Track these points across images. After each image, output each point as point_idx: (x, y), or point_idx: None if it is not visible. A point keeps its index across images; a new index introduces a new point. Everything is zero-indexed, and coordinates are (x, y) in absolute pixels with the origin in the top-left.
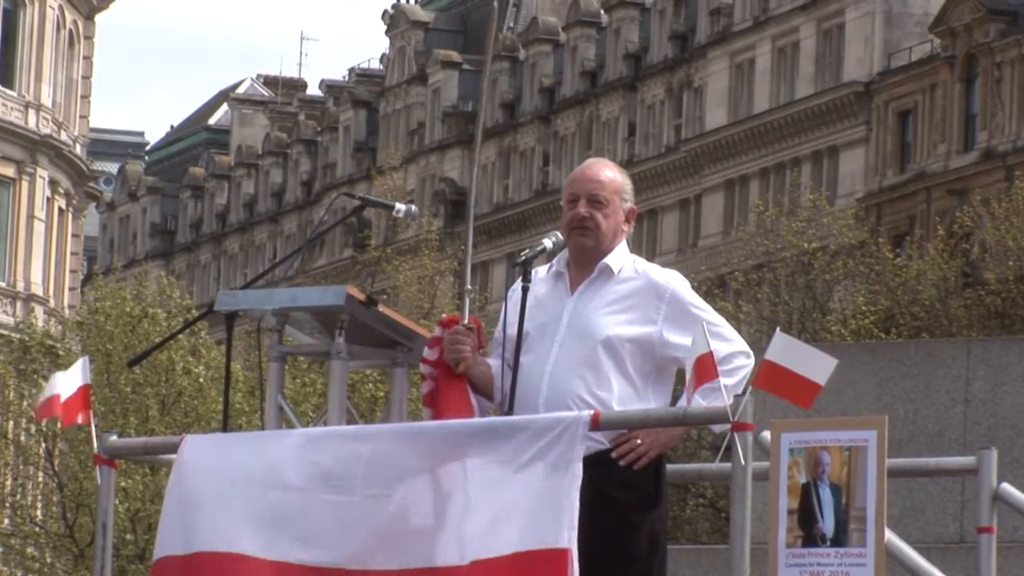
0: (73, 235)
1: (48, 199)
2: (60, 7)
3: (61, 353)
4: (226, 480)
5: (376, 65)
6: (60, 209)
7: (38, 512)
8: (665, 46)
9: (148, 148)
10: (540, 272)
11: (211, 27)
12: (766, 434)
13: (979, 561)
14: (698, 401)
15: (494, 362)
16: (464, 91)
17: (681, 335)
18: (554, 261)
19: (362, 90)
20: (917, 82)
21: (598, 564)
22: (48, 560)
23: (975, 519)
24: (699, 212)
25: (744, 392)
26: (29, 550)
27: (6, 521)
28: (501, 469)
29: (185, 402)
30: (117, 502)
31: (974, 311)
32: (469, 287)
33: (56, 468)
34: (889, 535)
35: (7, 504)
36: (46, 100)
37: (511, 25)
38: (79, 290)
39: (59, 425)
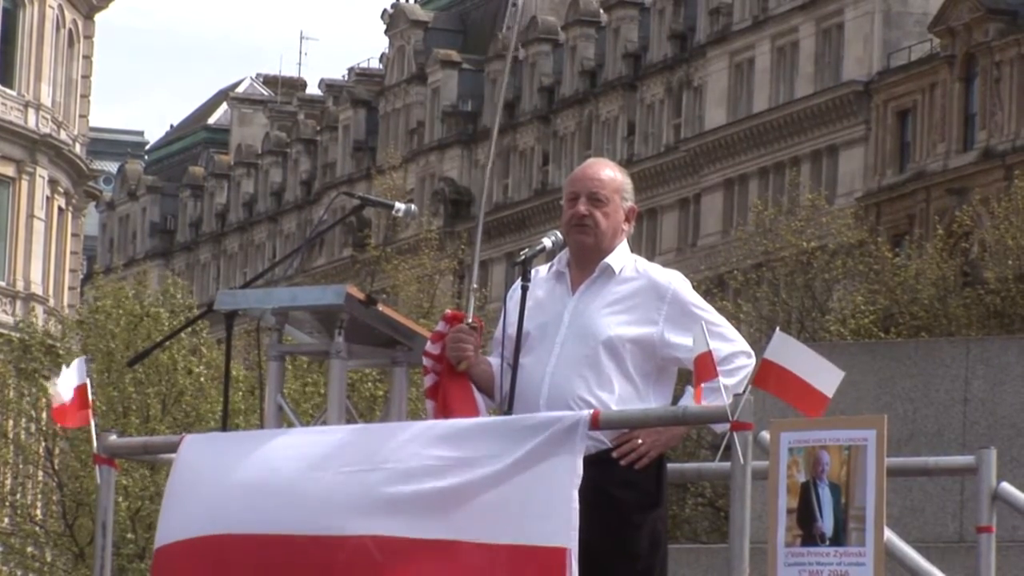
0: (73, 234)
1: (48, 198)
2: (60, 6)
3: (61, 352)
4: (224, 476)
5: (376, 64)
6: (60, 208)
7: (38, 511)
8: (664, 46)
9: (148, 147)
10: (541, 272)
11: (211, 26)
12: (765, 433)
13: (978, 560)
14: (685, 400)
15: (495, 361)
16: (463, 91)
17: (682, 335)
18: (555, 261)
19: (361, 89)
20: (916, 81)
21: (599, 564)
22: (48, 559)
23: (974, 518)
24: (698, 211)
25: (744, 392)
26: (29, 549)
27: (6, 520)
28: (500, 466)
29: (186, 402)
30: (118, 499)
31: (973, 310)
32: (475, 285)
33: (56, 467)
34: (888, 534)
35: (7, 503)
36: (46, 99)
37: (510, 25)
38: (79, 289)
39: (58, 426)
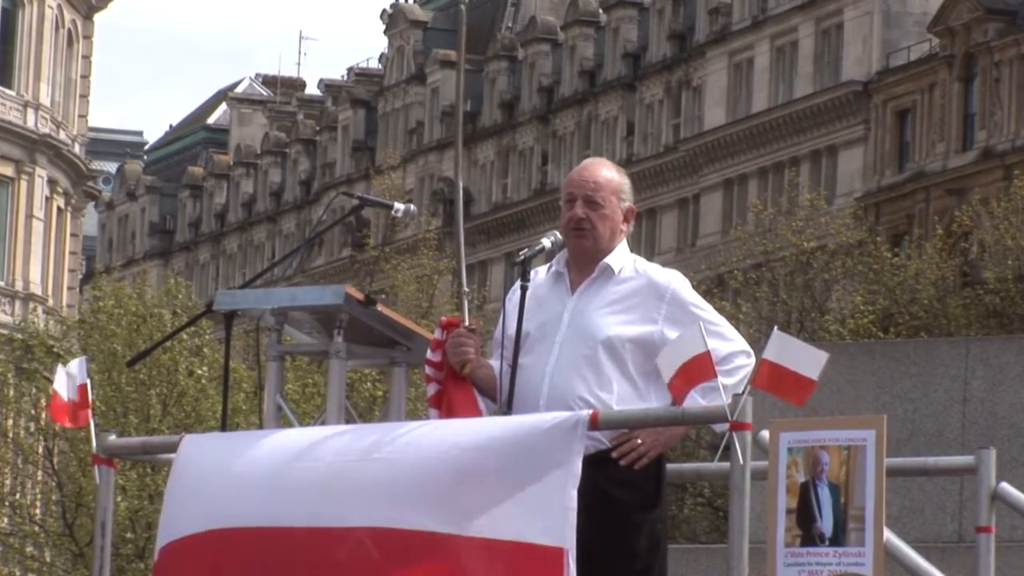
0: (72, 234)
1: (47, 198)
2: (59, 6)
3: (61, 352)
4: (223, 475)
5: (375, 64)
6: (59, 208)
7: (37, 511)
8: (664, 45)
9: (147, 147)
10: (540, 272)
11: (210, 27)
12: (765, 433)
13: (978, 560)
14: (697, 400)
15: (495, 363)
16: (463, 91)
17: None
18: (553, 261)
19: (361, 89)
20: (916, 81)
21: (598, 563)
22: (47, 559)
23: (974, 518)
24: (698, 211)
25: (744, 391)
26: (28, 549)
27: (5, 520)
28: (499, 465)
29: (187, 402)
30: (118, 499)
31: (973, 310)
32: (466, 288)
33: (55, 467)
34: (888, 534)
35: (6, 503)
36: (45, 99)
37: (509, 25)
38: (78, 289)
39: (57, 426)
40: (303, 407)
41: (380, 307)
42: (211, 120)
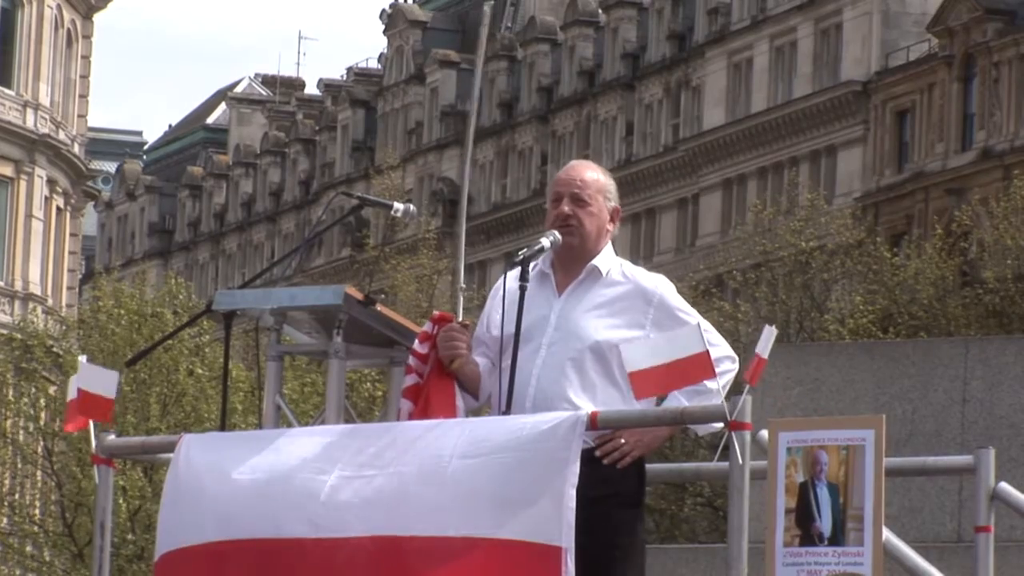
0: (71, 234)
1: (46, 198)
2: (58, 6)
3: (60, 352)
4: (222, 476)
5: (374, 64)
6: (58, 208)
7: (36, 511)
8: (663, 45)
9: (146, 147)
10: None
11: (209, 26)
12: (764, 433)
13: (977, 560)
14: (680, 401)
15: (481, 360)
16: (462, 91)
17: None
18: (537, 261)
19: (360, 89)
20: (915, 81)
21: (578, 561)
22: (47, 559)
23: (973, 518)
24: (697, 211)
25: (744, 393)
26: (28, 549)
27: (4, 520)
28: (499, 465)
29: (186, 402)
30: (120, 500)
31: (972, 310)
32: (463, 285)
33: (55, 467)
34: (887, 534)
35: (6, 503)
36: (44, 99)
37: (509, 25)
38: (77, 289)
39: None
40: (302, 407)
41: (379, 307)
42: (210, 120)
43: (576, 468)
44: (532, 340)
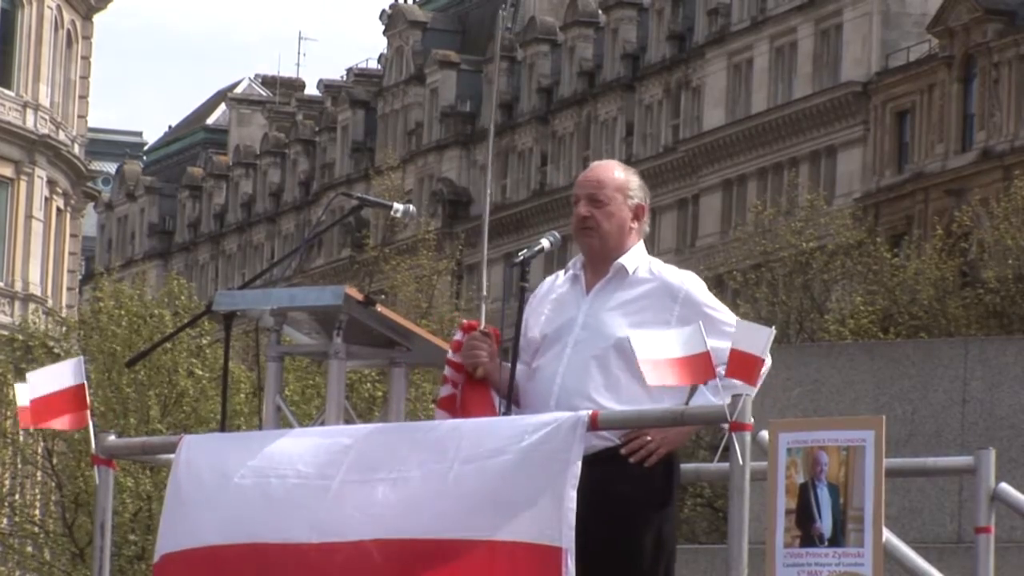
0: (71, 235)
1: (46, 199)
2: (58, 7)
3: (60, 353)
4: (223, 478)
5: (374, 65)
6: (58, 209)
7: (37, 511)
8: (663, 46)
9: (146, 148)
10: (560, 276)
11: (209, 27)
12: (764, 434)
13: (977, 561)
14: (708, 398)
15: (519, 365)
16: (462, 91)
17: None
18: (570, 264)
19: (360, 90)
20: (915, 82)
21: (602, 561)
22: (47, 559)
23: (973, 519)
24: (697, 212)
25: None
26: (28, 549)
27: (4, 521)
28: (500, 466)
29: (187, 403)
30: (127, 501)
31: (972, 311)
32: (484, 294)
33: (55, 467)
34: (887, 535)
35: (6, 503)
36: (44, 100)
37: (509, 25)
38: (77, 290)
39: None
40: (303, 408)
41: (379, 308)
42: (210, 121)
43: (577, 469)
44: (560, 340)
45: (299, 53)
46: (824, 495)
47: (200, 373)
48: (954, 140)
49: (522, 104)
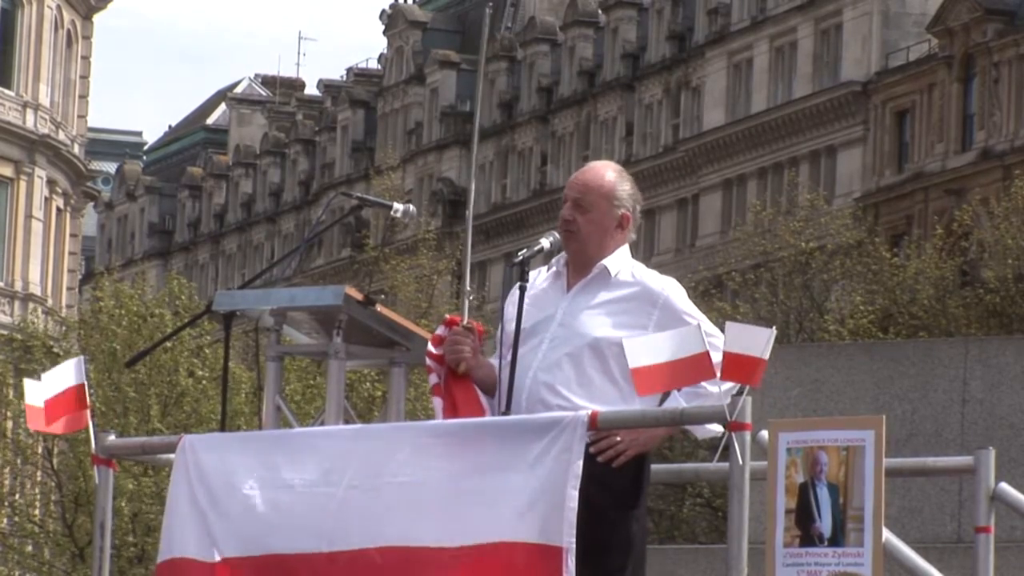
0: (71, 235)
1: (46, 199)
2: (58, 7)
3: (60, 353)
4: (230, 487)
5: (374, 65)
6: (58, 209)
7: (36, 511)
8: (663, 46)
9: (146, 148)
10: (541, 272)
11: (209, 27)
12: (764, 434)
13: (977, 561)
14: (679, 402)
15: (495, 361)
16: (462, 91)
17: None
18: (554, 261)
19: (360, 90)
20: (915, 82)
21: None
22: (47, 559)
23: (973, 519)
24: (697, 212)
25: (743, 394)
26: (28, 549)
27: (4, 520)
28: (501, 469)
29: (187, 403)
30: (124, 503)
31: (972, 310)
32: (468, 288)
33: (55, 467)
34: (887, 535)
35: (6, 503)
36: (44, 100)
37: (509, 25)
38: (77, 290)
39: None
40: (305, 408)
41: (379, 307)
42: (210, 120)
43: (578, 469)
44: (536, 336)
45: (299, 53)
46: (824, 495)
47: (201, 373)
48: (954, 140)
49: (522, 104)
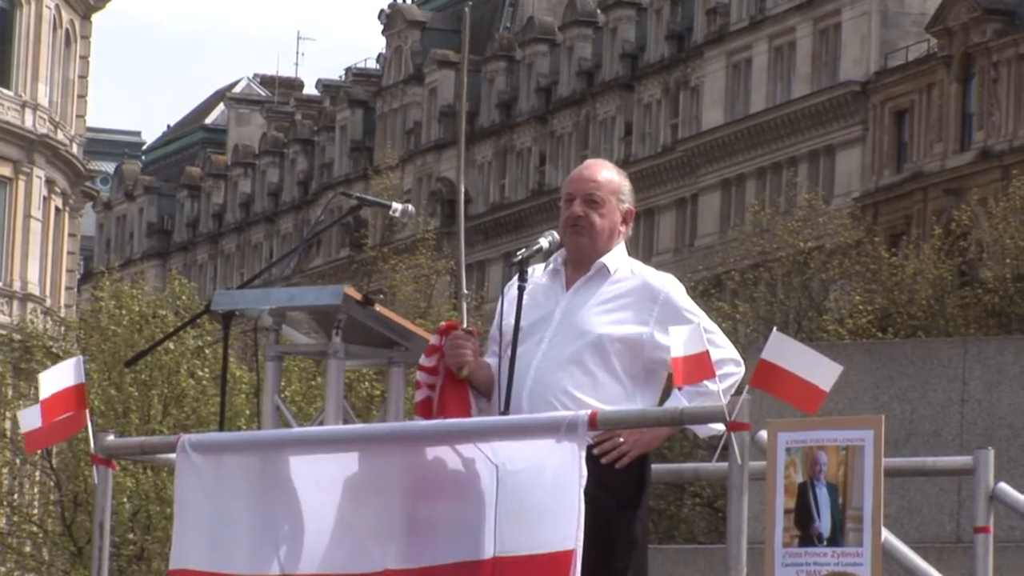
0: (70, 235)
1: (45, 199)
2: (57, 6)
3: (60, 353)
4: (226, 487)
5: (373, 65)
6: (57, 209)
7: (35, 511)
8: (662, 46)
9: (145, 148)
10: (538, 270)
11: (208, 27)
12: (763, 434)
13: (976, 561)
14: (681, 401)
15: (492, 361)
16: (461, 91)
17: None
18: (551, 259)
19: (359, 90)
20: (913, 82)
21: None
22: (46, 558)
23: (972, 519)
24: (695, 212)
25: (743, 392)
26: (27, 548)
27: (4, 520)
28: (501, 470)
29: (187, 403)
30: (125, 501)
31: (971, 310)
32: (465, 291)
33: (54, 466)
34: (886, 535)
35: (5, 503)
36: (43, 100)
37: (508, 25)
38: (75, 290)
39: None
40: (307, 409)
41: (378, 307)
42: (209, 120)
43: (584, 470)
44: (536, 334)
45: (298, 53)
46: (823, 495)
47: (201, 374)
48: (953, 140)
49: (521, 104)
